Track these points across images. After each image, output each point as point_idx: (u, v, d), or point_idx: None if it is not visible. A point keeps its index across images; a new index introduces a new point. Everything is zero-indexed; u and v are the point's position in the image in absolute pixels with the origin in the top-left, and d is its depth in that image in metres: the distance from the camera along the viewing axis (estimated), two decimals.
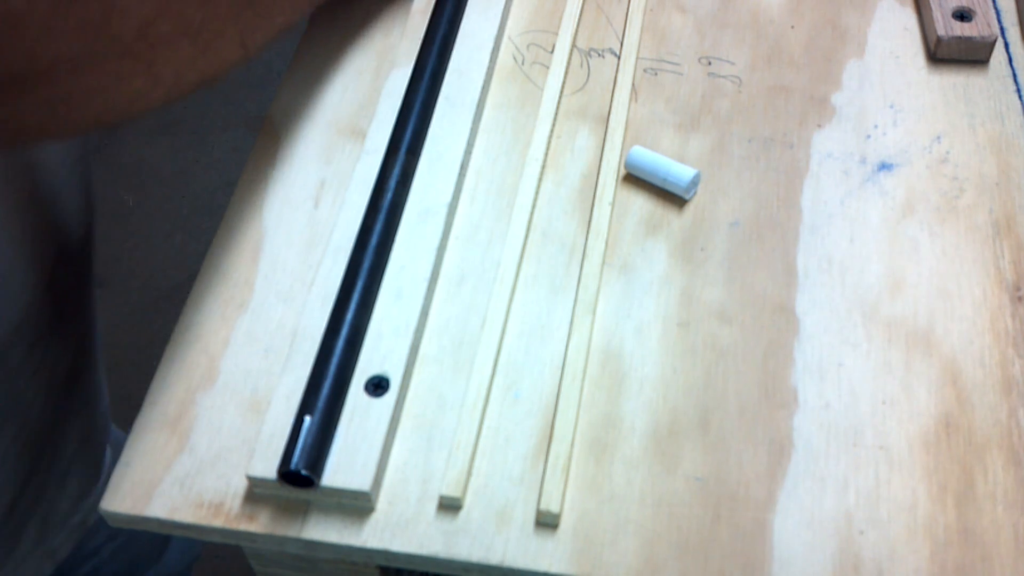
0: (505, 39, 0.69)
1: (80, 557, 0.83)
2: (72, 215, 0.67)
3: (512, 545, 0.47)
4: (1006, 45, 0.66)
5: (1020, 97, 0.63)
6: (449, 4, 0.67)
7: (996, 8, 0.67)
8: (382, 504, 0.49)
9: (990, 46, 0.64)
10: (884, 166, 0.61)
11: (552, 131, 0.63)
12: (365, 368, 0.51)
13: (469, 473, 0.49)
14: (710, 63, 0.67)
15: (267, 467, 0.48)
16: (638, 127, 0.63)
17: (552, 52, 0.67)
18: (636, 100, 0.65)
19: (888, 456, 0.50)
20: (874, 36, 0.67)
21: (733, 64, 0.66)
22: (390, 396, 0.50)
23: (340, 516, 0.48)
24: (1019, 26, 0.67)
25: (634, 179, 0.61)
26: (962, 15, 0.65)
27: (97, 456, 0.81)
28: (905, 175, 0.60)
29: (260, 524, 0.48)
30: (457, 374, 0.53)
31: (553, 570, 0.47)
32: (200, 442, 0.51)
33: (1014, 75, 0.64)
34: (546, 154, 0.62)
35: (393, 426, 0.50)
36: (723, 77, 0.66)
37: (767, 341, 0.54)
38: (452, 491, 0.48)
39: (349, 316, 0.52)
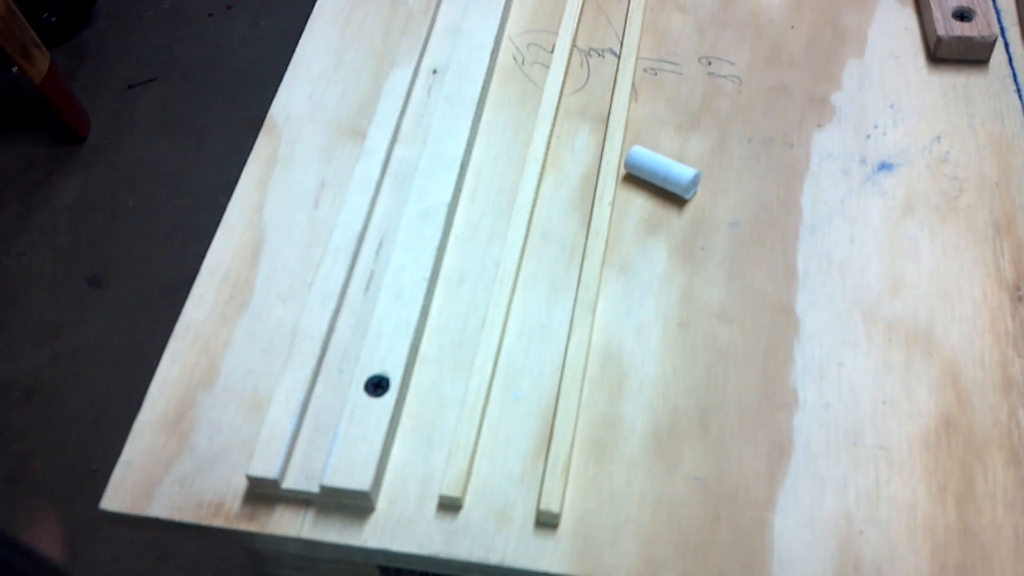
0: (505, 39, 0.69)
1: None
2: None
3: (512, 545, 0.47)
4: (1006, 45, 0.66)
5: (1020, 97, 0.63)
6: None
7: (996, 8, 0.67)
8: (382, 504, 0.49)
9: (990, 46, 0.64)
10: (884, 166, 0.61)
11: (552, 131, 0.63)
12: (365, 368, 0.51)
13: (469, 473, 0.49)
14: (710, 63, 0.67)
15: (267, 467, 0.48)
16: (638, 127, 0.63)
17: (552, 52, 0.67)
18: (636, 100, 0.65)
19: (888, 456, 0.50)
20: (874, 36, 0.67)
21: (733, 64, 0.66)
22: (390, 396, 0.50)
23: (340, 516, 0.48)
24: (1019, 26, 0.67)
25: (634, 179, 0.61)
26: (962, 15, 0.65)
27: None
28: (905, 175, 0.60)
29: (260, 524, 0.48)
30: (457, 374, 0.53)
31: (553, 570, 0.47)
32: (200, 442, 0.51)
33: (1014, 75, 0.64)
34: (546, 154, 0.62)
35: (393, 426, 0.50)
36: (723, 77, 0.66)
37: (767, 341, 0.54)
38: (452, 491, 0.48)
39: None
